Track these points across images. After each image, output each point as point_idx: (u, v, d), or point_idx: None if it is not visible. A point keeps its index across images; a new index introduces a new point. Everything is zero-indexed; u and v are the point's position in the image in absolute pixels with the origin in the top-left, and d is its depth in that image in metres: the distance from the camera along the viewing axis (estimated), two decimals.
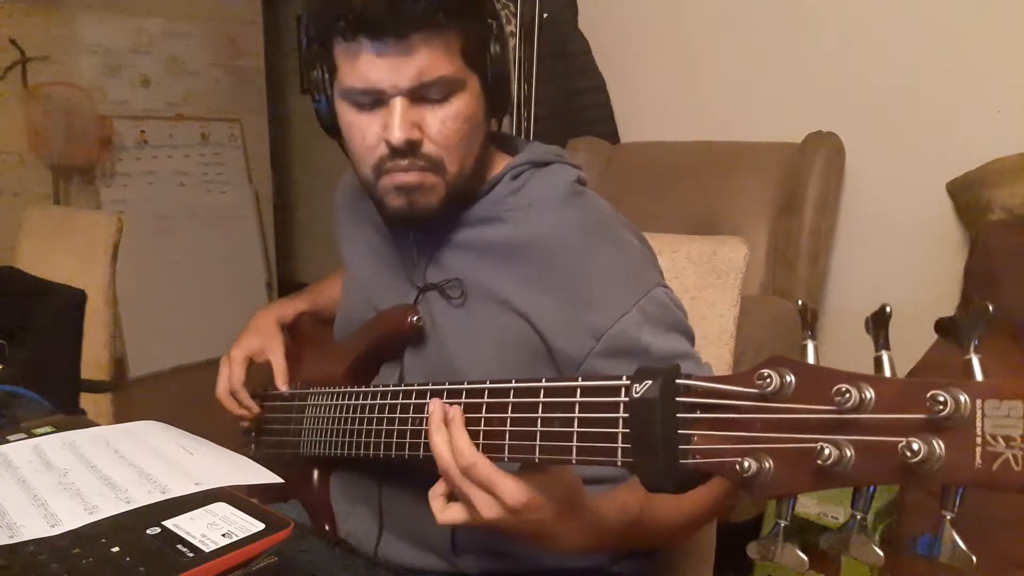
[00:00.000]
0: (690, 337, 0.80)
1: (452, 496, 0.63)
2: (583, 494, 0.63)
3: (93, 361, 1.52)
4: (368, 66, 0.73)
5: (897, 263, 2.09)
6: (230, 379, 0.97)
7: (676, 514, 0.73)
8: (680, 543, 0.97)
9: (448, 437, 0.61)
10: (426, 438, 0.69)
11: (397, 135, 0.73)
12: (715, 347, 0.98)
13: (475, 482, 0.60)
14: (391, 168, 0.76)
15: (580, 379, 0.55)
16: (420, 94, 0.74)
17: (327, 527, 0.91)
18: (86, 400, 1.33)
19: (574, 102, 2.62)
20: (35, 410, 0.89)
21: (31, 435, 0.74)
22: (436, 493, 0.64)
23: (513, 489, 0.58)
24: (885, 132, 2.07)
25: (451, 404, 0.63)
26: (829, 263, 2.17)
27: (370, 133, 0.76)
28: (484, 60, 0.77)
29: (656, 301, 0.76)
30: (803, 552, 0.43)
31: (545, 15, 2.58)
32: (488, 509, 0.60)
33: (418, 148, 0.75)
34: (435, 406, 0.63)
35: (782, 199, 2.09)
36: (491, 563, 0.84)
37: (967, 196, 1.86)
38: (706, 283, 1.01)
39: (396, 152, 0.75)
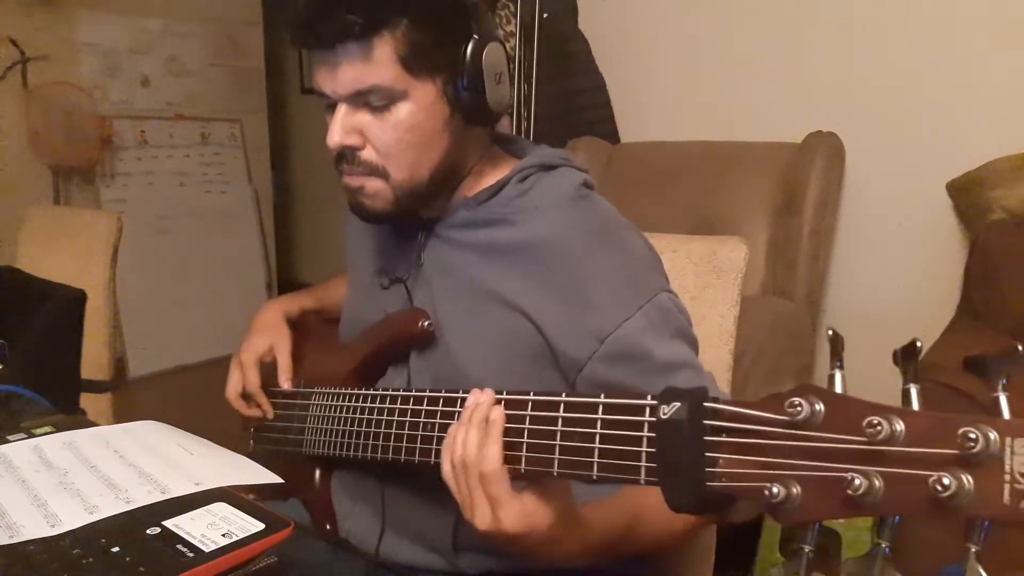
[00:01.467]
0: (693, 344, 0.80)
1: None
2: (575, 511, 0.64)
3: (93, 361, 1.51)
4: (317, 71, 0.77)
5: (897, 263, 2.09)
6: (245, 383, 0.97)
7: (666, 530, 0.74)
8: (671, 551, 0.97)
9: (478, 437, 0.61)
10: (437, 444, 0.69)
11: (332, 140, 0.77)
12: (715, 347, 0.98)
13: (485, 492, 0.60)
14: (341, 170, 0.80)
15: (603, 396, 0.56)
16: (362, 101, 0.76)
17: (328, 526, 0.91)
18: (86, 400, 1.32)
19: (574, 102, 2.62)
20: (35, 410, 0.89)
21: (31, 435, 0.74)
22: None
23: (515, 517, 0.59)
24: (885, 132, 2.07)
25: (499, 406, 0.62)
26: (829, 263, 2.17)
27: (327, 136, 0.79)
28: (441, 66, 0.76)
29: (660, 307, 0.76)
30: None
31: (545, 15, 2.57)
32: (483, 521, 0.61)
33: (357, 153, 0.78)
34: (477, 399, 0.63)
35: (782, 199, 2.09)
36: (492, 562, 0.84)
37: (967, 196, 1.86)
38: (706, 283, 1.01)
39: (339, 156, 0.79)
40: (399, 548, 0.87)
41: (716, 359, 0.98)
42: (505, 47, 0.80)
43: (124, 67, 3.49)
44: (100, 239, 1.60)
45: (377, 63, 0.73)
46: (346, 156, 0.78)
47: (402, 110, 0.76)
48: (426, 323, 0.83)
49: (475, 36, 0.76)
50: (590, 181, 0.85)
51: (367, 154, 0.78)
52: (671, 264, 1.02)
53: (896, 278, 2.10)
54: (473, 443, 0.61)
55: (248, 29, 3.92)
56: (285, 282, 4.23)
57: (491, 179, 0.85)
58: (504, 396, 0.62)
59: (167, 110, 3.65)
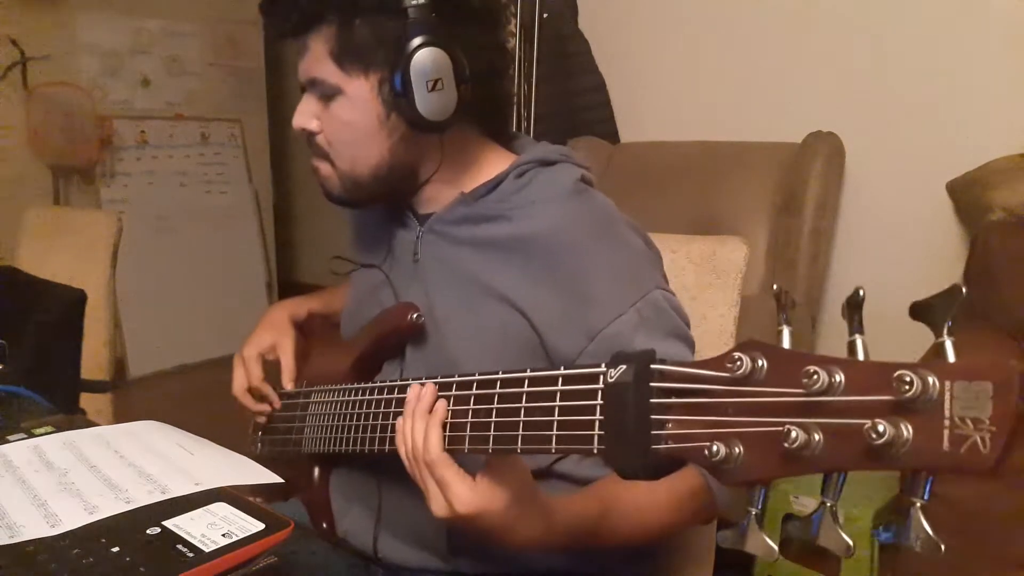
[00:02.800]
0: (689, 344, 0.79)
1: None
2: (534, 487, 0.65)
3: (93, 361, 1.51)
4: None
5: (897, 263, 2.09)
6: (248, 376, 0.97)
7: (648, 522, 0.73)
8: (696, 534, 0.97)
9: (422, 427, 0.63)
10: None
11: (294, 121, 0.83)
12: (715, 347, 0.98)
13: (434, 479, 0.62)
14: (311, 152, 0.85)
15: (562, 368, 0.55)
16: (315, 90, 0.81)
17: (325, 525, 0.91)
18: (86, 400, 1.33)
19: (574, 102, 2.62)
20: (35, 410, 0.89)
21: (31, 435, 0.74)
22: None
23: (464, 497, 0.61)
24: (885, 132, 2.07)
25: (441, 397, 0.64)
26: (829, 263, 2.17)
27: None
28: (375, 65, 0.77)
29: (653, 304, 0.76)
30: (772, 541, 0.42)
31: (545, 15, 2.58)
32: (439, 507, 0.63)
33: (313, 137, 0.83)
34: (416, 393, 0.65)
35: (782, 199, 2.09)
36: (487, 564, 0.84)
37: (967, 196, 1.86)
38: (706, 283, 1.01)
39: (307, 139, 0.84)
40: (395, 548, 0.87)
41: None
42: (457, 55, 0.76)
43: (124, 67, 3.49)
44: (100, 239, 1.60)
45: (314, 57, 0.79)
46: (307, 139, 0.84)
47: (339, 104, 0.80)
48: (416, 316, 0.83)
49: (412, 40, 0.75)
50: (589, 176, 0.85)
51: (320, 139, 0.83)
52: (671, 264, 1.02)
53: (896, 278, 2.09)
54: (419, 434, 0.63)
55: (248, 29, 3.92)
56: (285, 282, 4.22)
57: (489, 174, 0.84)
58: (476, 378, 0.62)
59: (167, 110, 3.65)
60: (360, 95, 0.78)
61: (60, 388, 1.14)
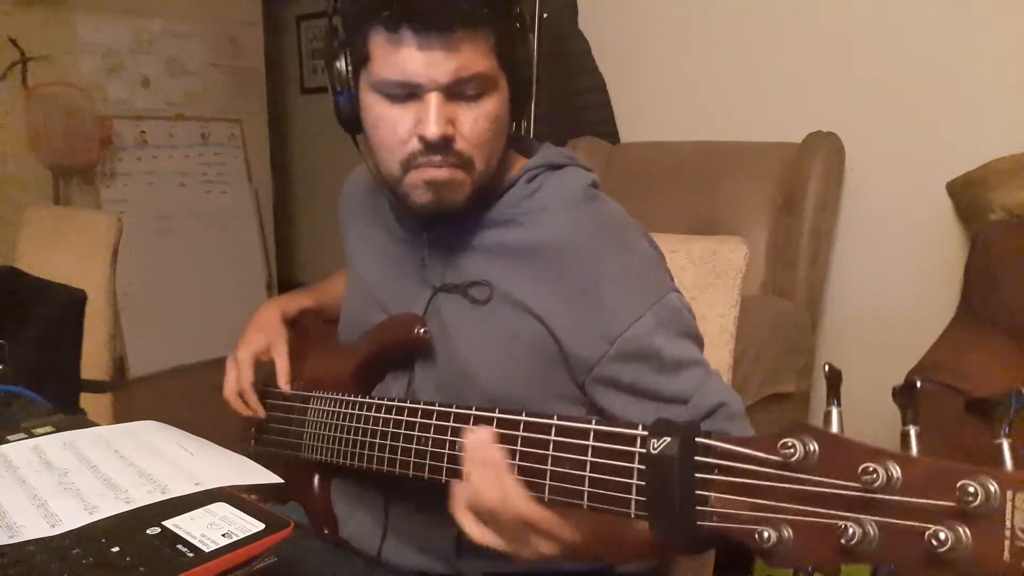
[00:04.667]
0: (700, 343, 0.80)
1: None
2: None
3: (93, 361, 1.51)
4: (407, 58, 0.72)
5: (897, 263, 2.09)
6: (239, 380, 0.96)
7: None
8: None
9: (491, 476, 0.59)
10: (434, 459, 0.70)
11: (433, 130, 0.73)
12: (715, 347, 0.98)
13: (535, 531, 0.58)
14: (423, 163, 0.76)
15: (594, 422, 0.55)
16: (455, 90, 0.74)
17: (327, 531, 0.91)
18: (86, 400, 1.33)
19: (574, 102, 2.62)
20: (35, 410, 0.89)
21: (31, 435, 0.74)
22: (466, 506, 0.62)
23: (567, 529, 0.57)
24: (885, 132, 2.07)
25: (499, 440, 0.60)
26: (829, 263, 2.17)
27: (402, 127, 0.75)
28: (514, 61, 0.78)
29: (669, 307, 0.77)
30: None
31: (545, 15, 2.57)
32: (550, 548, 0.59)
33: (451, 144, 0.75)
34: (474, 439, 0.61)
35: (782, 199, 2.09)
36: (494, 566, 0.83)
37: (967, 196, 1.86)
38: (706, 283, 1.01)
39: (430, 147, 0.74)
40: (400, 552, 0.87)
41: (716, 359, 0.98)
42: None
43: (124, 67, 3.49)
44: (100, 239, 1.60)
45: (485, 51, 0.74)
46: (439, 148, 0.74)
47: (492, 100, 0.76)
48: (422, 330, 0.82)
49: (528, 38, 0.79)
50: (597, 181, 0.85)
51: (460, 144, 0.75)
52: (671, 264, 1.01)
53: (896, 278, 2.10)
54: (493, 490, 0.59)
55: (248, 29, 3.92)
56: (285, 282, 4.23)
57: (498, 178, 0.84)
58: (496, 415, 0.62)
59: (167, 110, 3.65)
60: (506, 90, 0.78)
61: (60, 388, 1.14)
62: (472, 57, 0.72)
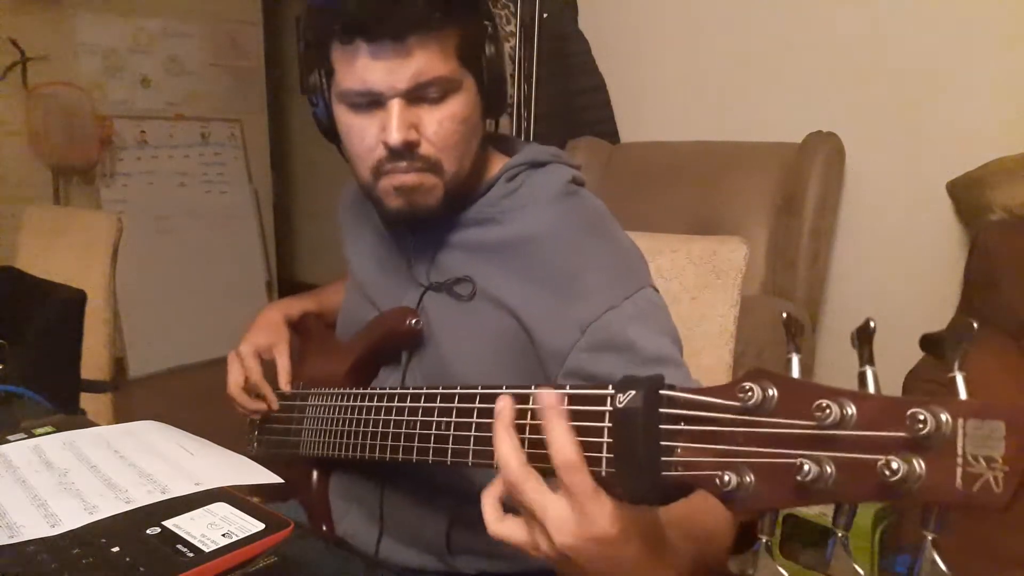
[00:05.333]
0: (678, 344, 0.77)
1: (509, 507, 0.55)
2: (664, 532, 0.54)
3: (93, 361, 1.52)
4: (365, 68, 0.73)
5: (897, 263, 2.09)
6: (248, 372, 0.96)
7: (723, 537, 0.67)
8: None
9: (515, 443, 0.53)
10: (422, 442, 0.69)
11: (395, 137, 0.73)
12: (715, 347, 0.98)
13: (566, 488, 0.49)
14: (390, 170, 0.76)
15: (568, 387, 0.54)
16: (417, 95, 0.74)
17: (325, 527, 0.91)
18: (86, 400, 1.33)
19: (574, 102, 2.62)
20: (35, 410, 0.89)
21: (31, 435, 0.74)
22: (493, 495, 0.56)
23: (607, 516, 0.49)
24: (885, 132, 2.07)
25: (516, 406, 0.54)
26: (829, 263, 2.17)
27: (368, 135, 0.76)
28: (479, 60, 0.78)
29: (647, 299, 0.76)
30: (784, 569, 0.42)
31: (545, 15, 2.58)
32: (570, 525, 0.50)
33: (416, 149, 0.75)
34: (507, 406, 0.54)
35: (782, 199, 2.09)
36: (486, 563, 0.84)
37: (967, 196, 1.86)
38: (706, 283, 1.01)
39: (394, 154, 0.75)
40: (394, 549, 0.87)
41: (716, 359, 0.98)
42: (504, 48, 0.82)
43: (124, 67, 3.49)
44: (100, 239, 1.60)
45: (443, 54, 0.73)
46: (403, 154, 0.75)
47: (456, 102, 0.76)
48: (413, 321, 0.83)
49: (497, 33, 0.79)
50: (580, 177, 0.85)
51: (424, 149, 0.75)
52: (671, 264, 1.02)
53: (896, 278, 2.09)
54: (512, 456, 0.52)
55: (248, 29, 3.92)
56: (285, 282, 4.23)
57: (480, 178, 0.84)
58: (479, 391, 0.61)
59: (167, 110, 3.65)
60: (471, 89, 0.78)
61: (60, 388, 1.14)
62: (429, 62, 0.73)
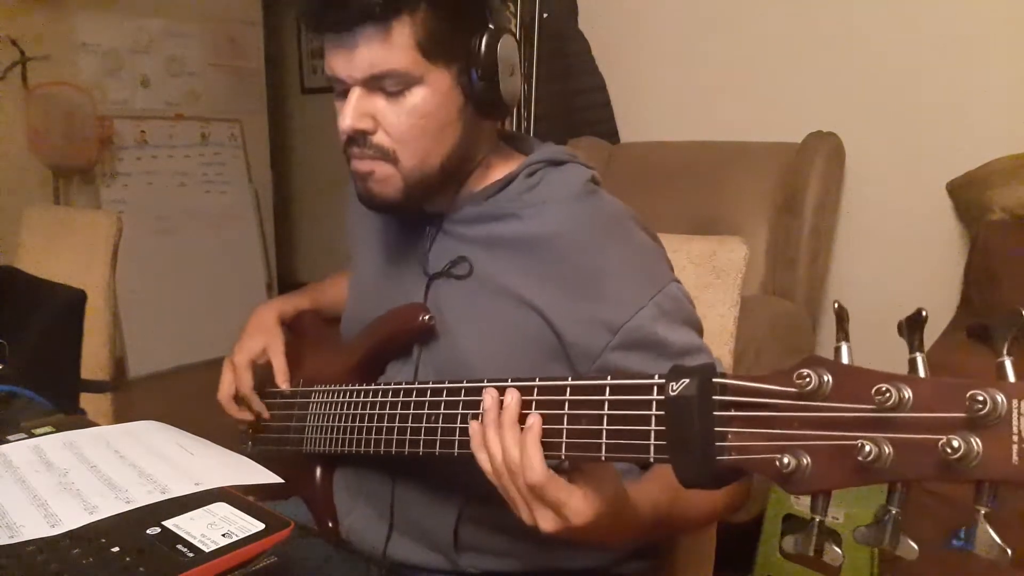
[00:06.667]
0: (700, 331, 0.81)
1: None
2: (625, 492, 0.63)
3: (93, 361, 1.51)
4: (331, 57, 0.76)
5: (897, 263, 2.09)
6: (238, 385, 0.97)
7: (699, 509, 0.74)
8: (695, 535, 0.98)
9: (515, 443, 0.60)
10: (428, 434, 0.70)
11: (344, 123, 0.77)
12: (715, 347, 0.98)
13: (542, 500, 0.59)
14: (350, 155, 0.80)
15: (609, 378, 0.56)
16: (376, 86, 0.76)
17: (329, 524, 0.91)
18: (86, 400, 1.33)
19: (574, 102, 2.63)
20: (35, 410, 0.89)
21: (31, 435, 0.74)
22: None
23: (581, 510, 0.58)
24: (885, 132, 2.07)
25: (529, 413, 0.61)
26: (829, 263, 2.17)
27: (339, 120, 0.78)
28: (456, 55, 0.76)
29: (671, 296, 0.77)
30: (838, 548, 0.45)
31: (545, 15, 2.58)
32: (550, 525, 0.60)
33: (368, 137, 0.77)
34: (495, 401, 0.62)
35: (782, 199, 2.09)
36: (493, 562, 0.84)
37: (967, 196, 1.86)
38: (706, 283, 1.01)
39: (350, 139, 0.78)
40: (400, 546, 0.87)
41: (716, 359, 0.98)
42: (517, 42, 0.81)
43: (124, 67, 3.49)
44: (100, 239, 1.60)
45: (395, 47, 0.73)
46: (357, 140, 0.78)
47: (417, 96, 0.76)
48: (426, 317, 0.83)
49: (491, 27, 0.77)
50: (597, 177, 0.85)
51: (379, 138, 0.77)
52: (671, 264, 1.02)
53: (896, 278, 2.09)
54: (513, 451, 0.60)
55: (248, 29, 3.92)
56: (285, 282, 4.23)
57: (498, 174, 0.85)
58: (510, 384, 0.62)
59: (167, 110, 3.65)
60: (442, 84, 0.76)
61: (60, 388, 1.14)
62: (382, 54, 0.73)
